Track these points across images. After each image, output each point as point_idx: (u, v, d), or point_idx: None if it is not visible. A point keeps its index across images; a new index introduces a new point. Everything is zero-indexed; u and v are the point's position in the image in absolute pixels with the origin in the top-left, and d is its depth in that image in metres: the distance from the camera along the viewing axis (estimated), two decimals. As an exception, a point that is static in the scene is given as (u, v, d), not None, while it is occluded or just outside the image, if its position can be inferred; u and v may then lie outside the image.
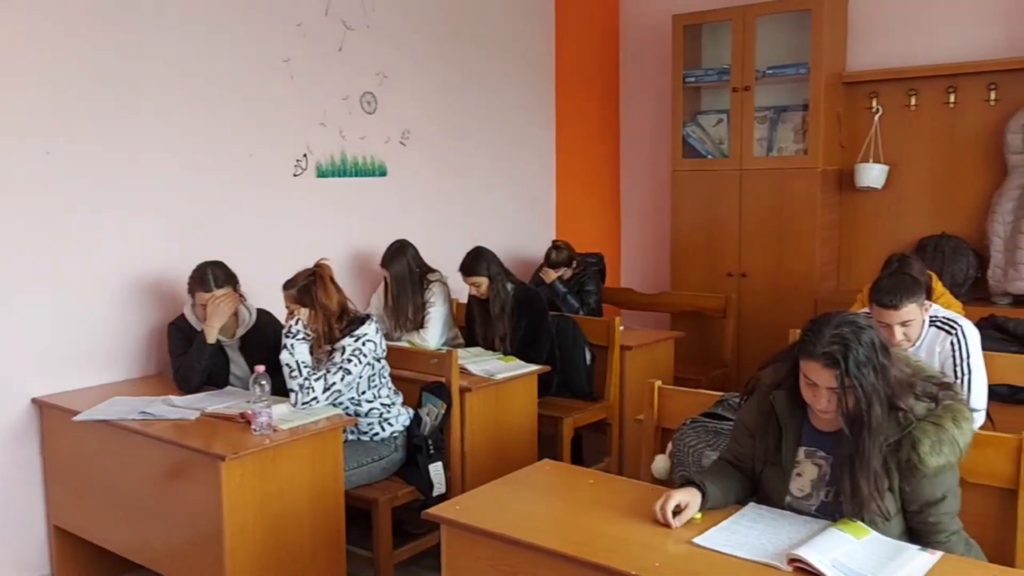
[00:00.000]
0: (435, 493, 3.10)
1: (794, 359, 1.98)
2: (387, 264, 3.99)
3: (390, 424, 3.19)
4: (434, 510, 2.10)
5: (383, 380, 3.18)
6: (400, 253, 3.99)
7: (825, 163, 4.68)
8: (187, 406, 2.94)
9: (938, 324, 2.85)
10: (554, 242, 4.68)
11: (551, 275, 4.57)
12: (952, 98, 4.51)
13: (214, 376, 3.26)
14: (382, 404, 3.16)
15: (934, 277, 3.55)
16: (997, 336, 3.50)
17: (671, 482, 2.47)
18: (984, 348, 2.92)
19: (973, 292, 4.41)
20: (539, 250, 4.82)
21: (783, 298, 4.77)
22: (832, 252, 4.89)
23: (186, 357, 3.20)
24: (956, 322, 2.84)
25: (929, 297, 3.20)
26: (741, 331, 4.83)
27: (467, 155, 4.82)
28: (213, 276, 3.20)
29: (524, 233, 5.20)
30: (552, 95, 5.35)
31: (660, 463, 2.58)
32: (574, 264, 4.65)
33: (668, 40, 5.14)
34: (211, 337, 3.19)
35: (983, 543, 2.03)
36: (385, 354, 3.17)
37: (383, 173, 4.34)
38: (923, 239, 4.60)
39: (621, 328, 4.10)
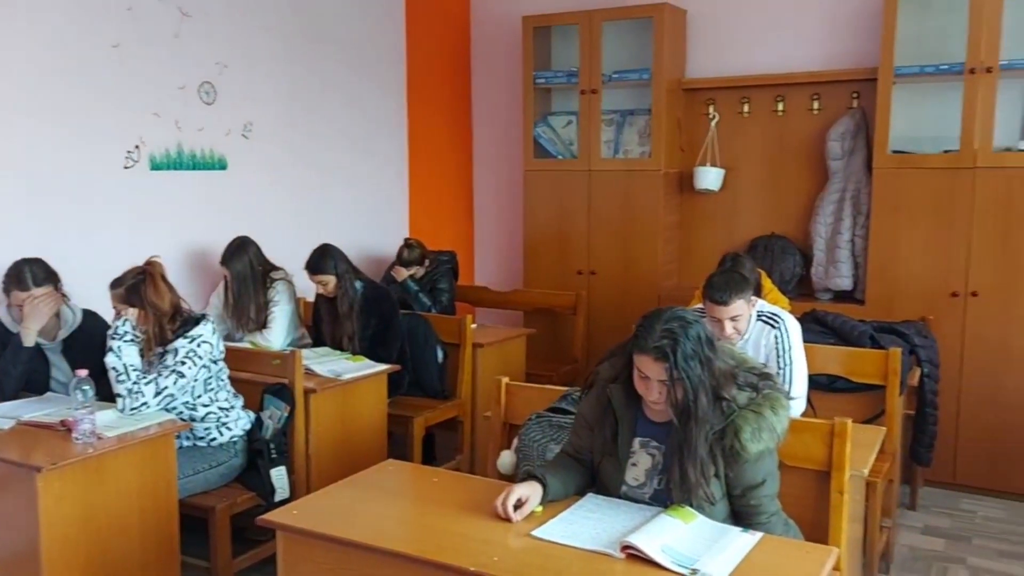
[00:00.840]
0: (277, 498, 3.00)
1: (629, 353, 2.05)
2: (227, 262, 3.83)
3: (228, 428, 3.06)
4: (268, 515, 2.03)
5: (221, 383, 3.05)
6: (241, 250, 3.84)
7: (667, 166, 4.88)
8: (0, 415, 2.71)
9: (763, 319, 3.02)
10: (406, 240, 4.65)
11: (403, 273, 4.54)
12: (780, 107, 4.79)
13: (33, 382, 3.03)
14: (220, 408, 3.03)
15: (764, 275, 3.77)
16: (817, 329, 3.74)
17: (516, 477, 2.50)
18: (806, 340, 3.13)
19: (799, 288, 4.72)
20: (391, 248, 4.77)
21: (629, 295, 4.93)
22: (674, 251, 5.10)
23: (0, 361, 2.95)
24: (779, 316, 3.03)
25: (758, 293, 3.40)
26: (590, 327, 4.96)
27: (315, 150, 4.69)
28: (31, 274, 2.98)
29: (376, 231, 5.12)
30: (403, 92, 5.29)
31: (505, 458, 2.62)
32: (426, 262, 4.63)
33: (519, 41, 5.21)
34: (28, 340, 2.97)
35: (801, 522, 2.17)
36: (223, 355, 3.04)
37: (223, 167, 4.16)
38: (755, 239, 4.87)
39: (473, 326, 4.12)
